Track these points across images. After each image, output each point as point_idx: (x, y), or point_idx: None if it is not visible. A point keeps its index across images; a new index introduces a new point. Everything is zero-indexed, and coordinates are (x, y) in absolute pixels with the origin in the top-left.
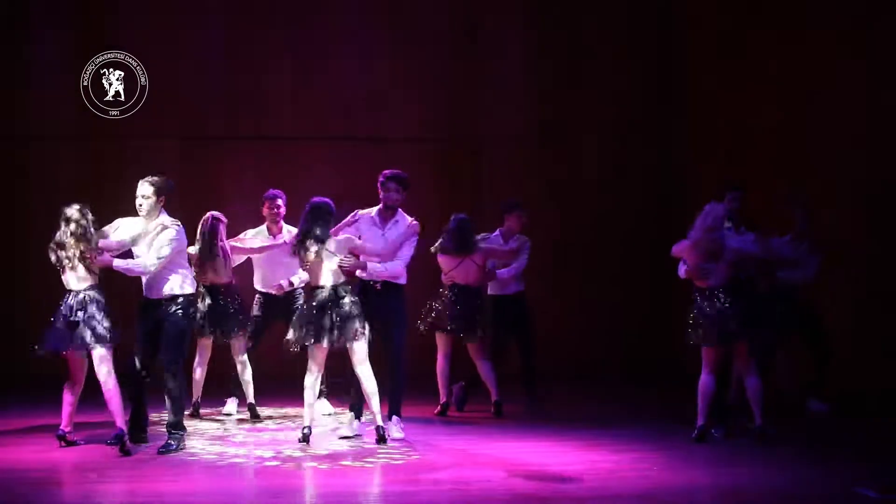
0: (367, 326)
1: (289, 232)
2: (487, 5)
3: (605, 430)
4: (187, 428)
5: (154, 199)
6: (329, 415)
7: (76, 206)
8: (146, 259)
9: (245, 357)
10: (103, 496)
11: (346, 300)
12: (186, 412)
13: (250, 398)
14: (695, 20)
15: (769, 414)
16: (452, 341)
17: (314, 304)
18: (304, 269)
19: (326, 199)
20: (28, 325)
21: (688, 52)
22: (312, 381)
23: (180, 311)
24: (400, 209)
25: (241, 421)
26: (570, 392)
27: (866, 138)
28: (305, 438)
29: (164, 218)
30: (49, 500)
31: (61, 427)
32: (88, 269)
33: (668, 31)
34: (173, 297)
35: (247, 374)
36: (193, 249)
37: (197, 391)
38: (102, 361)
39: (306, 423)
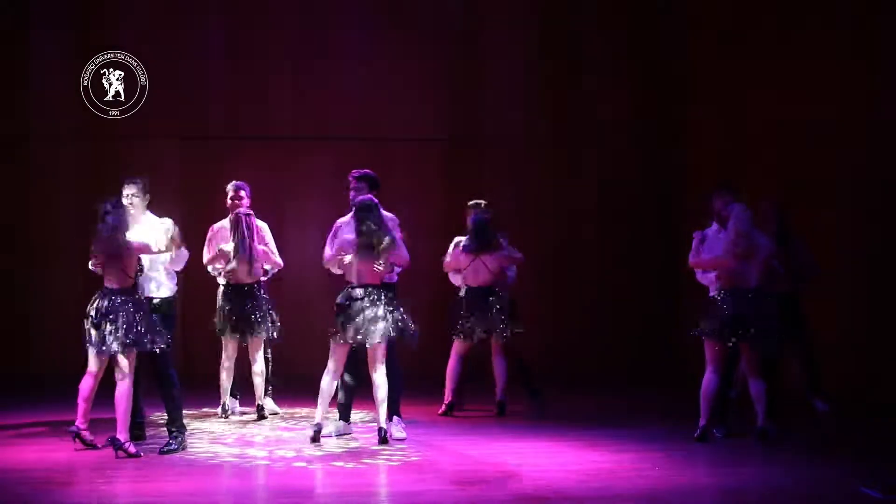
0: (393, 331)
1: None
2: (487, 5)
3: (605, 430)
4: (188, 427)
5: (142, 196)
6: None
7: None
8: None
9: (260, 356)
10: (106, 496)
11: (383, 301)
12: (193, 410)
13: (259, 398)
14: (695, 20)
15: (773, 415)
16: (470, 347)
17: (351, 301)
18: (339, 267)
19: (369, 196)
20: (28, 325)
21: (688, 52)
22: (330, 379)
23: (167, 312)
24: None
25: (244, 422)
26: (570, 392)
27: (866, 138)
28: (316, 437)
29: (151, 216)
30: (50, 500)
31: (76, 423)
32: (126, 272)
33: (668, 31)
34: (160, 298)
35: (258, 374)
36: (228, 247)
37: (224, 393)
38: (120, 365)
39: (316, 421)
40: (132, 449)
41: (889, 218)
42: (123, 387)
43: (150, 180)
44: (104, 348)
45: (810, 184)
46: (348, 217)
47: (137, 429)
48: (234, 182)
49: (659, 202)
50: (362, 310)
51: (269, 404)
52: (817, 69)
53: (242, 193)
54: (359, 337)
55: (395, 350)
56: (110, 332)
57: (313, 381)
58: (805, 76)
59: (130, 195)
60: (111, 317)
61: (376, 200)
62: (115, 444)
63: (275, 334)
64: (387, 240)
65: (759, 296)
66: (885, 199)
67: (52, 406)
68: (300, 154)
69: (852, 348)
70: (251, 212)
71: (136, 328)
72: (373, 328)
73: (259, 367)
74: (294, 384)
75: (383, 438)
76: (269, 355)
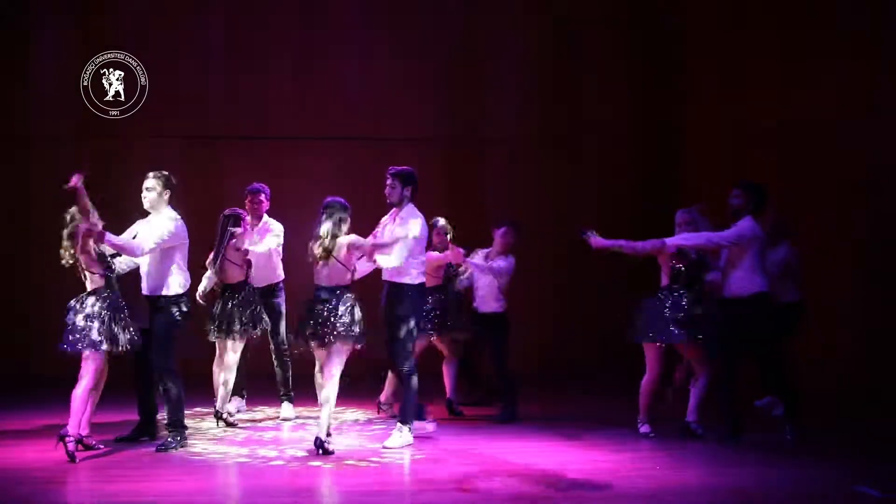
0: (349, 333)
1: (265, 224)
2: (487, 5)
3: (605, 430)
4: (188, 426)
5: (158, 191)
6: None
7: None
8: (143, 242)
9: (233, 358)
10: (105, 495)
11: (335, 304)
12: (187, 411)
13: (219, 404)
14: (695, 20)
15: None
16: (449, 344)
17: (308, 305)
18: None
19: (338, 198)
20: (28, 325)
21: (688, 52)
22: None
23: (165, 311)
24: (411, 205)
25: (244, 421)
26: (570, 392)
27: (866, 138)
28: (328, 436)
29: (168, 212)
30: (50, 500)
31: (73, 431)
32: (89, 270)
33: (669, 30)
34: (160, 297)
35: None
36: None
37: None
38: (85, 363)
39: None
40: (70, 449)
41: (889, 218)
42: (78, 390)
43: (173, 177)
44: (118, 346)
45: (810, 184)
46: (387, 217)
47: (149, 424)
48: (253, 184)
49: (659, 202)
50: (322, 313)
51: (286, 410)
52: (817, 69)
53: (262, 197)
54: (324, 341)
55: (413, 356)
56: (77, 331)
57: (309, 379)
58: (805, 76)
59: (145, 188)
60: (78, 317)
61: (342, 200)
62: (61, 440)
63: (257, 334)
64: (328, 241)
65: (669, 291)
66: (885, 199)
67: (52, 406)
68: (300, 154)
69: (853, 348)
70: (239, 213)
71: (100, 330)
72: (327, 330)
73: (227, 371)
74: (294, 385)
75: (321, 448)
76: (287, 358)
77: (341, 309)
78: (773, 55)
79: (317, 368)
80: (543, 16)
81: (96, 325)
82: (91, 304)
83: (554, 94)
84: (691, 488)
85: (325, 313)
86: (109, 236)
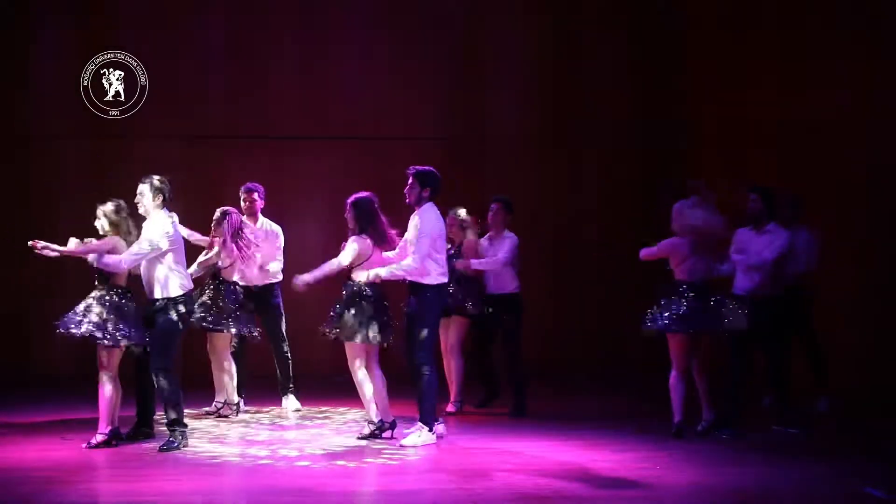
0: (370, 330)
1: (262, 226)
2: (487, 5)
3: (605, 430)
4: (188, 425)
5: (148, 197)
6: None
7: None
8: (125, 254)
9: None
10: (106, 495)
11: (361, 300)
12: (187, 410)
13: (226, 396)
14: (695, 20)
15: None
16: (446, 334)
17: (342, 298)
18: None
19: (365, 194)
20: (29, 325)
21: (687, 52)
22: (362, 375)
23: (165, 313)
24: (428, 205)
25: (245, 420)
26: (570, 392)
27: (866, 138)
28: (372, 434)
29: (158, 217)
30: (51, 500)
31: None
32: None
33: (668, 31)
34: (160, 299)
35: (228, 372)
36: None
37: (218, 392)
38: (99, 358)
39: (372, 418)
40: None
41: (889, 217)
42: (101, 384)
43: (168, 180)
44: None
45: (810, 184)
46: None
47: (145, 426)
48: (248, 184)
49: (659, 202)
50: (350, 307)
51: (291, 402)
52: (817, 69)
53: (255, 195)
54: (343, 335)
55: (423, 351)
56: (85, 322)
57: (308, 379)
58: (805, 76)
59: (137, 193)
60: (87, 310)
61: (367, 196)
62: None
63: (244, 331)
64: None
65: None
66: (885, 199)
67: (52, 405)
68: (300, 154)
69: (853, 347)
70: (231, 210)
71: (106, 324)
72: (348, 325)
73: (228, 365)
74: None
75: (390, 426)
76: (288, 353)
77: (361, 307)
78: (773, 55)
79: (359, 369)
80: (543, 16)
81: (109, 321)
82: (101, 300)
83: (554, 94)
84: (691, 488)
85: (354, 308)
86: (91, 258)
